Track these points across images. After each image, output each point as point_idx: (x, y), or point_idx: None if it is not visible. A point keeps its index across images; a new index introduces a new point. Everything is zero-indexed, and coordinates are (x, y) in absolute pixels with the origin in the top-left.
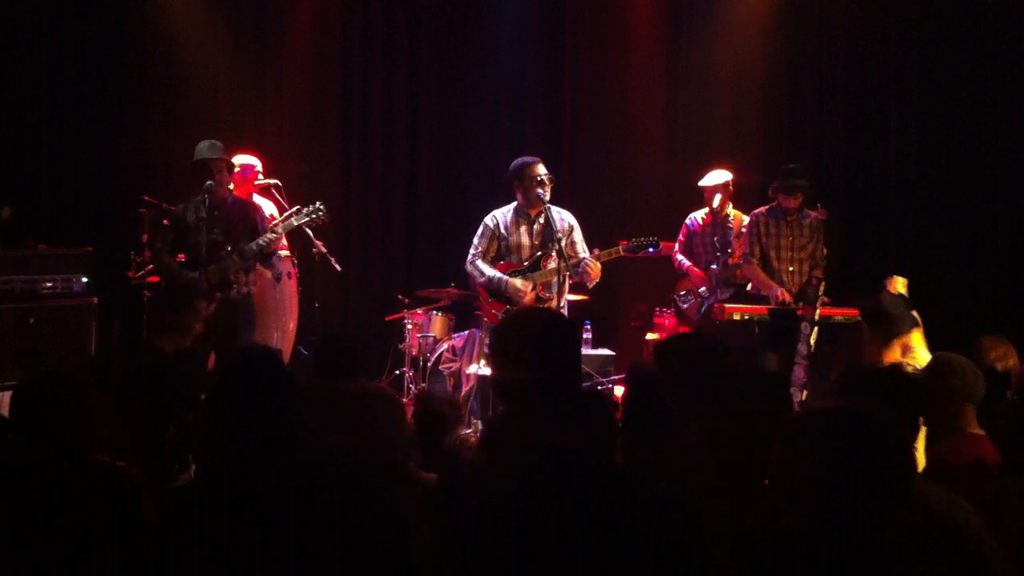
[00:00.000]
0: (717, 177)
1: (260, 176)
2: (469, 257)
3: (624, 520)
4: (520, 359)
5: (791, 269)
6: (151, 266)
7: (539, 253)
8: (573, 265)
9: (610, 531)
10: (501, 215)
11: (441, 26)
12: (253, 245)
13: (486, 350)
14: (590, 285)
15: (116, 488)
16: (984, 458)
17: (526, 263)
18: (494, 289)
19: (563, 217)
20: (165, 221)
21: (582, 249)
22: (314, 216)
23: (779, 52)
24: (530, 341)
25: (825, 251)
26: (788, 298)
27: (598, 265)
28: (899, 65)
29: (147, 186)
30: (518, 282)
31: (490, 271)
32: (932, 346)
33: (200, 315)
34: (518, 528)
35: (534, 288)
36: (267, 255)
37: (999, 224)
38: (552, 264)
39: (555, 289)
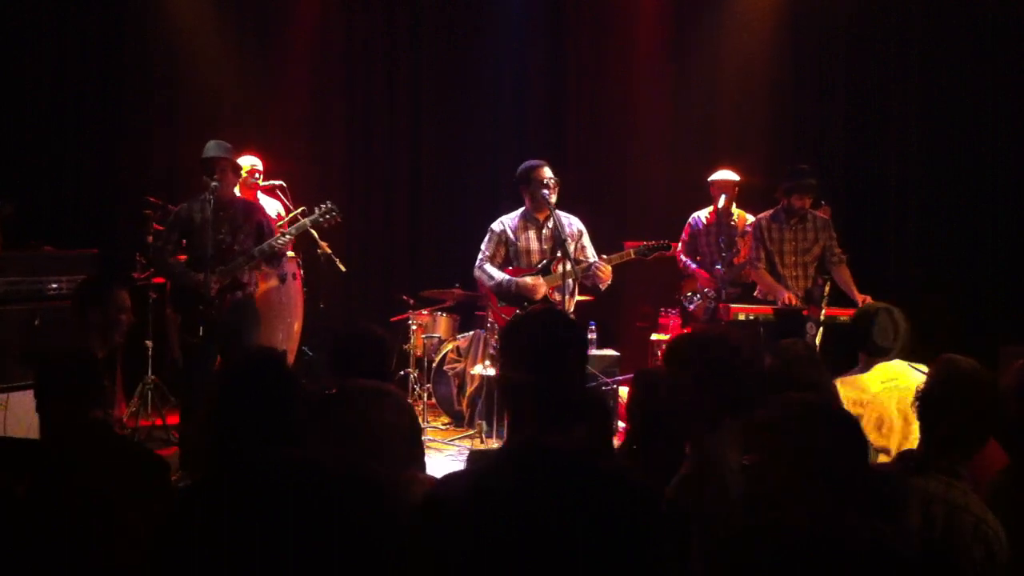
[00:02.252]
0: (726, 175)
1: (261, 176)
2: (477, 262)
3: (606, 524)
4: (524, 359)
5: (796, 274)
6: (152, 268)
7: (548, 259)
8: (584, 269)
9: (590, 533)
10: (508, 220)
11: (443, 26)
12: (265, 246)
13: (491, 351)
14: (602, 287)
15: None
16: (987, 457)
17: (537, 267)
18: (504, 292)
19: (571, 222)
20: (157, 226)
21: (592, 254)
22: (327, 216)
23: (781, 52)
24: (534, 341)
25: (839, 249)
26: (795, 301)
27: (609, 268)
28: (899, 65)
29: (149, 186)
30: (528, 280)
31: (499, 274)
32: (932, 347)
33: (125, 307)
34: (486, 527)
35: (545, 286)
36: (277, 256)
37: (999, 224)
38: (562, 269)
39: (565, 293)
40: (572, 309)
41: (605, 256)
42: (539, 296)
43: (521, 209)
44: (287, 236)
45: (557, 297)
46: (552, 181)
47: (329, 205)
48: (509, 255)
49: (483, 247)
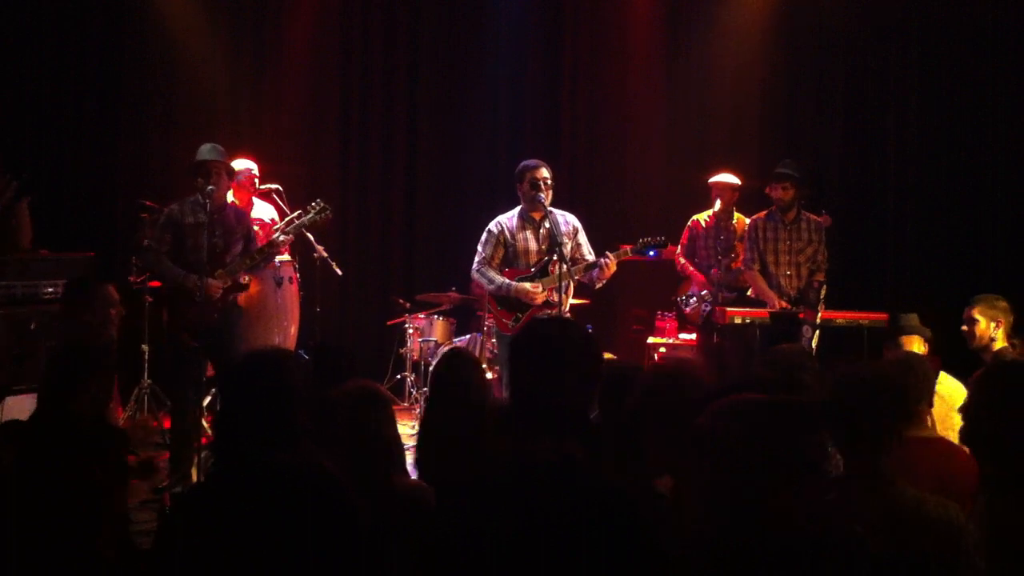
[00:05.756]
0: (725, 179)
1: (257, 180)
2: (475, 265)
3: (589, 537)
4: (526, 368)
5: (789, 273)
6: (147, 270)
7: (546, 259)
8: (585, 267)
9: (571, 546)
10: (506, 220)
11: (441, 28)
12: (265, 246)
13: (488, 354)
14: (599, 285)
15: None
16: (952, 466)
17: (533, 269)
18: (503, 296)
19: (567, 220)
20: (154, 218)
21: (588, 251)
22: (321, 215)
23: (778, 55)
24: (536, 351)
25: (826, 254)
26: (786, 306)
27: (614, 264)
28: (898, 68)
29: (146, 189)
30: (527, 285)
31: (498, 278)
32: (930, 347)
33: (114, 302)
34: (468, 535)
35: (544, 291)
36: (270, 258)
37: (999, 225)
38: (559, 270)
39: (562, 293)
40: (567, 309)
41: (610, 253)
42: (539, 301)
43: (518, 208)
44: (285, 236)
45: (555, 298)
46: (545, 182)
47: (321, 203)
48: (508, 256)
49: (480, 248)
